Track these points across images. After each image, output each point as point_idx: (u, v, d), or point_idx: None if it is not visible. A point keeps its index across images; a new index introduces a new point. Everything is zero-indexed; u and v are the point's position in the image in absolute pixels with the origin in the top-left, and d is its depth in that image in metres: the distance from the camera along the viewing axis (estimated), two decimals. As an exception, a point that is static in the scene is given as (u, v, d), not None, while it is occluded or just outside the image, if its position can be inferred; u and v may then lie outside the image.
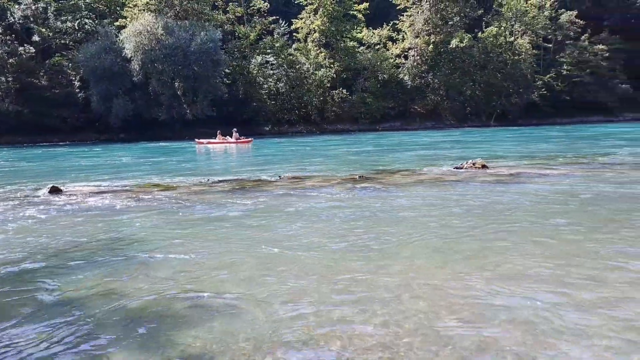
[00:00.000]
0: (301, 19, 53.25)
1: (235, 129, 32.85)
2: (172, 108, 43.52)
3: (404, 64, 55.07)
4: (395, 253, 5.45)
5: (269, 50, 51.04)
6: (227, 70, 47.95)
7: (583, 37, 56.48)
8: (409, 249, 5.61)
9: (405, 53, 55.47)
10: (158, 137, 41.86)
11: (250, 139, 32.98)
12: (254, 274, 4.88)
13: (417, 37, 54.11)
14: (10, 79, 44.83)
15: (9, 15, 47.27)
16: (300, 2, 53.28)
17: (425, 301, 4.11)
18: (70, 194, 10.21)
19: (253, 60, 50.29)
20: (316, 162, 16.98)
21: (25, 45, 46.58)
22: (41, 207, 8.87)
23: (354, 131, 47.75)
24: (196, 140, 32.79)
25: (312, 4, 52.61)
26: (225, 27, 50.53)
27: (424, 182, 10.97)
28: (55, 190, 10.30)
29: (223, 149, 28.58)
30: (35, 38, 47.18)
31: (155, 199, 9.41)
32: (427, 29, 53.64)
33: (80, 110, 46.04)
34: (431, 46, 53.15)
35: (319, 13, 52.12)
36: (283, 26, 53.01)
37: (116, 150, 29.54)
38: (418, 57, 54.45)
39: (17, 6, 47.40)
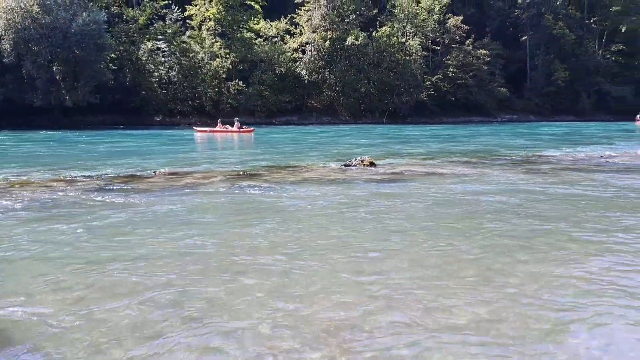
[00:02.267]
0: (195, 5, 51.16)
1: (237, 118, 32.27)
2: (50, 94, 39.69)
3: (301, 58, 55.04)
4: (265, 256, 4.98)
5: (160, 37, 48.42)
6: (113, 55, 44.76)
7: (467, 41, 60.15)
8: (282, 250, 5.17)
9: (303, 48, 55.46)
10: (33, 125, 38.09)
11: (252, 128, 32.43)
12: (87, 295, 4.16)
13: (314, 32, 54.28)
14: None
15: None
16: (194, -13, 51.18)
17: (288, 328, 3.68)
18: None
19: (142, 46, 47.43)
20: (202, 156, 16.12)
21: None
22: None
23: (249, 124, 46.81)
24: (195, 128, 32.03)
25: (207, -10, 50.75)
26: (112, 9, 47.12)
27: (311, 180, 10.67)
28: None
29: (225, 138, 27.71)
30: None
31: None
32: (324, 24, 54.00)
33: None
34: (328, 42, 53.58)
35: (214, 1, 50.40)
36: (176, 12, 50.50)
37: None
38: (315, 53, 54.67)
39: None
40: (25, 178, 10.56)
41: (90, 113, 41.93)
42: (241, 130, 30.70)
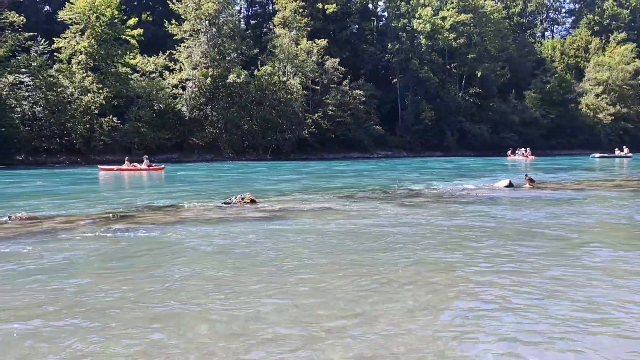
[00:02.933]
0: (65, 38, 48.31)
1: (146, 156, 31.21)
2: None
3: (181, 94, 54.04)
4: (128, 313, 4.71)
5: (23, 70, 44.76)
6: (-34, 89, 40.52)
7: (344, 82, 63.35)
8: (170, 302, 4.93)
9: (183, 84, 54.56)
10: None
11: (162, 165, 31.29)
12: None
13: (194, 68, 53.76)
14: None
15: None
16: (64, 20, 48.37)
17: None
18: None
19: (3, 80, 43.49)
20: (67, 197, 14.97)
21: None
22: None
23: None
24: (99, 167, 30.27)
25: (78, 23, 48.22)
26: (-34, 39, 42.86)
27: (188, 220, 10.37)
28: None
29: (132, 176, 26.33)
30: None
31: None
32: (205, 61, 53.75)
33: None
34: (209, 79, 53.29)
35: (86, 34, 48.01)
36: (42, 44, 47.16)
37: None
38: (196, 89, 54.03)
39: None
40: None
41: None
42: (150, 167, 29.66)
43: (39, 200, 14.52)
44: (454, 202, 13.77)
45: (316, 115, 60.66)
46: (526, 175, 19.97)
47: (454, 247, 7.49)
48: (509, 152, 54.67)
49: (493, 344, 4.04)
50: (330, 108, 61.26)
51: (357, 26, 75.07)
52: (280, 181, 23.25)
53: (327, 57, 62.73)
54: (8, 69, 44.33)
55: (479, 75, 72.28)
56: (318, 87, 62.92)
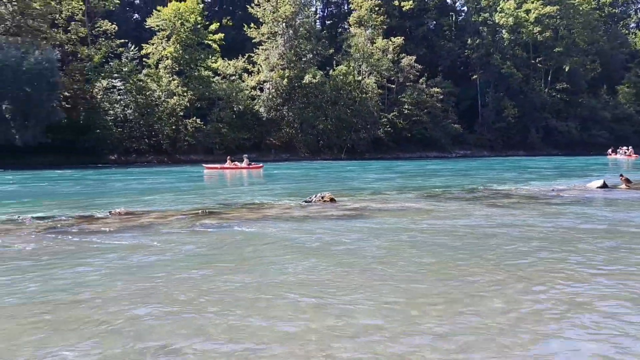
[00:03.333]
0: (152, 44, 51.07)
1: (245, 155, 32.72)
2: (-3, 132, 38.25)
3: (259, 96, 55.45)
4: (247, 301, 4.82)
5: (115, 75, 47.82)
6: (66, 94, 43.80)
7: (421, 80, 62.19)
8: (261, 296, 5.02)
9: (261, 85, 55.96)
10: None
11: (261, 164, 32.86)
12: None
13: (272, 70, 54.97)
14: None
15: None
16: (151, 26, 51.14)
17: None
18: None
19: (97, 84, 46.70)
20: (160, 194, 15.73)
21: None
22: None
23: (209, 161, 46.31)
24: (205, 166, 31.79)
25: (164, 30, 50.79)
26: (66, 48, 46.39)
27: (271, 217, 10.55)
28: None
29: (234, 174, 27.91)
30: None
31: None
32: (281, 63, 54.83)
33: None
34: (286, 80, 54.30)
35: (171, 40, 50.48)
36: (132, 50, 50.19)
37: None
38: (273, 90, 55.23)
39: None
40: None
41: (41, 153, 40.46)
42: (250, 166, 31.08)
43: (145, 196, 15.39)
44: (546, 203, 13.05)
45: (392, 114, 60.04)
46: (621, 175, 18.55)
47: (556, 250, 7.06)
48: (610, 150, 51.18)
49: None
50: (406, 107, 60.39)
51: (434, 22, 73.42)
52: (377, 180, 22.94)
53: (403, 54, 61.88)
54: (102, 75, 47.52)
55: (566, 69, 68.44)
56: (394, 86, 62.24)
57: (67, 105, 43.18)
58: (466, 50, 69.32)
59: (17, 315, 4.52)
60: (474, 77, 69.32)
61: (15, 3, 42.26)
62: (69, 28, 47.20)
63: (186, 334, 4.07)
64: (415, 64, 61.63)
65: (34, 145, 39.22)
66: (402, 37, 61.39)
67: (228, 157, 34.15)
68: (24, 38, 41.23)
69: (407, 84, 62.11)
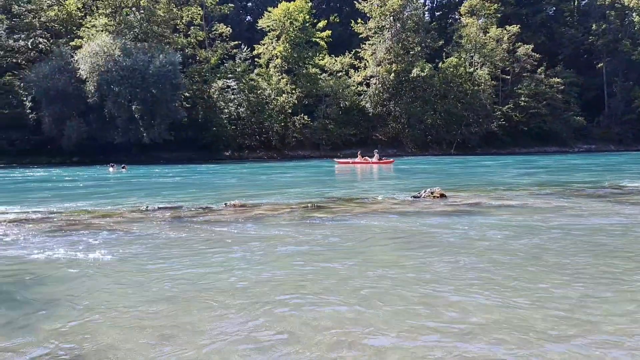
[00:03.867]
0: (263, 44, 53.03)
1: (376, 150, 33.88)
2: (129, 131, 41.99)
3: (365, 91, 55.37)
4: (359, 297, 4.70)
5: (230, 75, 50.41)
6: (186, 94, 46.96)
7: (539, 70, 58.20)
8: (371, 292, 4.87)
9: (367, 81, 55.84)
10: (112, 161, 40.18)
11: (391, 159, 33.94)
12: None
13: (378, 65, 54.60)
14: (-46, 97, 42.57)
15: (-43, 31, 45.30)
16: (262, 28, 53.11)
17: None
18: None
19: (214, 85, 49.51)
20: (271, 188, 16.18)
21: (-27, 63, 44.54)
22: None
23: (315, 157, 47.26)
24: (336, 160, 33.50)
25: (274, 30, 52.51)
26: (187, 51, 49.72)
27: (380, 212, 10.33)
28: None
29: (364, 169, 28.74)
30: (-15, 56, 45.18)
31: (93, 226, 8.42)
32: (388, 57, 54.22)
33: (31, 132, 44.05)
34: (393, 75, 53.64)
35: (281, 39, 52.03)
36: (245, 51, 52.58)
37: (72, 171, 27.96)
38: (380, 85, 54.86)
39: (-36, 22, 45.49)
40: (109, 208, 10.96)
41: (164, 149, 43.84)
42: (381, 161, 31.58)
43: (286, 188, 15.98)
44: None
45: (506, 107, 56.90)
46: None
47: None
48: None
49: None
50: (523, 99, 56.87)
51: (554, 8, 68.37)
52: (516, 176, 21.91)
53: (519, 43, 58.33)
54: (218, 75, 50.31)
55: None
56: (509, 77, 58.94)
57: (187, 105, 46.28)
58: (590, 37, 63.58)
59: (194, 298, 4.75)
60: (600, 65, 63.42)
61: (142, 11, 46.00)
62: (189, 32, 50.56)
63: (358, 329, 4.01)
64: (533, 53, 57.84)
65: (159, 142, 42.55)
66: (518, 25, 57.96)
67: (359, 152, 34.55)
68: (150, 43, 44.79)
69: (524, 74, 58.49)
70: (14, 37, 46.25)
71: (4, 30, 46.10)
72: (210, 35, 52.14)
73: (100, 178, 24.08)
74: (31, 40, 46.19)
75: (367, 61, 55.53)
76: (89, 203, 12.39)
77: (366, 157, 31.99)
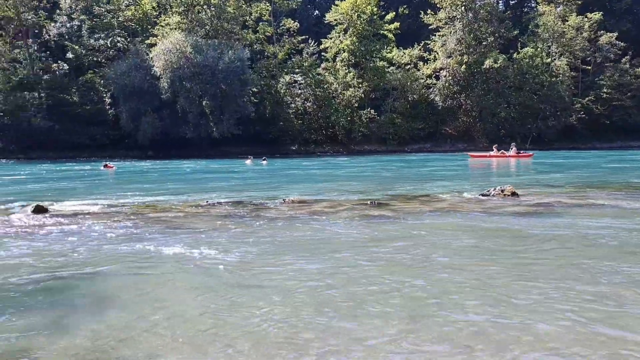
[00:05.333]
0: (330, 38, 52.85)
1: (514, 143, 33.86)
2: (199, 126, 43.27)
3: (435, 84, 53.85)
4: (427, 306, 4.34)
5: (297, 70, 50.71)
6: (254, 89, 47.71)
7: (624, 59, 54.14)
8: (442, 299, 4.49)
9: (437, 73, 54.25)
10: (184, 155, 41.59)
11: (531, 153, 33.36)
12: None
13: (449, 57, 52.88)
14: (43, 95, 45.65)
15: (44, 32, 48.41)
16: (330, 21, 52.93)
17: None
18: (55, 214, 9.45)
19: (281, 80, 49.97)
20: (331, 183, 15.94)
21: (60, 62, 47.50)
22: (13, 227, 8.10)
23: (381, 152, 46.60)
24: (470, 154, 33.56)
25: (341, 23, 52.19)
26: (255, 47, 50.47)
27: (446, 211, 9.77)
28: (39, 210, 9.54)
29: (499, 163, 28.54)
30: (69, 55, 48.05)
31: (145, 220, 8.53)
32: (459, 49, 52.38)
33: (110, 128, 46.41)
34: (464, 66, 51.76)
35: (348, 33, 51.62)
36: (312, 45, 52.66)
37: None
38: (450, 78, 53.15)
39: (52, 24, 48.53)
40: (184, 200, 11.15)
41: (232, 144, 44.77)
42: (519, 154, 31.10)
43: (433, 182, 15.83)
44: None
45: (587, 99, 53.40)
46: None
47: None
48: None
49: None
50: (605, 90, 53.11)
51: (641, -8, 63.26)
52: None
53: (602, 32, 54.47)
54: (285, 70, 50.74)
55: None
56: (589, 67, 55.23)
57: (254, 100, 47.02)
58: (684, 22, 58.38)
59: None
60: (696, 52, 58.06)
61: (213, 9, 47.14)
62: (257, 28, 51.26)
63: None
64: (617, 42, 53.82)
65: (227, 136, 43.53)
66: (600, 13, 54.07)
67: (494, 145, 33.86)
68: (220, 40, 45.81)
69: (606, 64, 54.59)
70: (95, 36, 48.87)
71: (86, 31, 48.84)
72: (278, 30, 52.63)
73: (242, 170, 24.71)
74: (110, 39, 48.65)
75: (437, 53, 53.95)
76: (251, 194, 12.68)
77: (503, 151, 31.42)
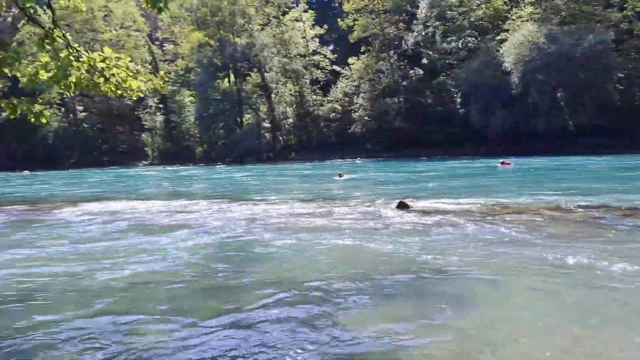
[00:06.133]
0: None
1: None
2: (551, 118, 40.40)
3: None
4: None
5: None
6: (620, 75, 41.31)
7: None
8: None
9: None
10: (533, 149, 39.37)
11: None
12: None
13: None
14: (402, 99, 50.85)
15: (403, 43, 53.72)
16: None
17: None
18: (414, 210, 10.26)
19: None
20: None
21: (415, 68, 51.95)
22: (381, 221, 9.17)
23: None
24: None
25: None
26: (621, 26, 43.60)
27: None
28: (402, 206, 10.54)
29: None
30: (424, 61, 51.92)
31: (495, 223, 8.44)
32: None
33: (460, 125, 48.03)
34: None
35: None
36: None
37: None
38: None
39: (410, 34, 53.34)
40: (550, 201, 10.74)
41: (590, 136, 39.67)
42: None
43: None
44: None
45: None
46: None
47: None
48: None
49: None
50: None
51: None
52: None
53: None
54: None
55: None
56: None
57: (620, 87, 40.74)
58: None
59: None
60: None
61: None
62: (624, 5, 44.21)
63: None
64: None
65: (584, 128, 39.17)
66: None
67: None
68: (579, 25, 41.50)
69: None
70: (447, 40, 51.25)
71: (439, 36, 51.71)
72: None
73: None
74: (461, 40, 50.15)
75: None
76: None
77: None
